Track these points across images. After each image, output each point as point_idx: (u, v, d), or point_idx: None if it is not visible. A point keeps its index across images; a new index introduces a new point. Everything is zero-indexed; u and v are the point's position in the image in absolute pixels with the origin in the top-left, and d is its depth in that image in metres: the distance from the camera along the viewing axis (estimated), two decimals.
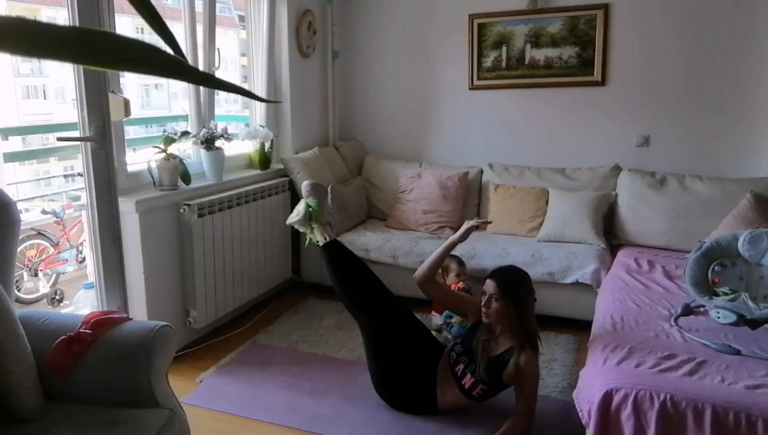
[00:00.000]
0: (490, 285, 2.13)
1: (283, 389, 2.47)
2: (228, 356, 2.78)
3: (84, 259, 4.02)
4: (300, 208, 2.48)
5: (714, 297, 2.14)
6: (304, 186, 2.55)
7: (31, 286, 3.79)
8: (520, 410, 2.11)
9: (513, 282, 2.13)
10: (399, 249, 3.35)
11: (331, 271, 2.45)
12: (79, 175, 3.37)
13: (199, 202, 2.78)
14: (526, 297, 2.13)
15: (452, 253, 3.14)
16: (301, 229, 2.50)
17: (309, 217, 2.45)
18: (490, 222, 2.65)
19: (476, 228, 2.41)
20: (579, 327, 2.99)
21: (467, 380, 2.13)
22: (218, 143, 3.00)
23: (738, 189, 3.12)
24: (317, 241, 2.45)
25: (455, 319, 2.93)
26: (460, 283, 3.00)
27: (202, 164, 3.02)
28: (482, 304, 2.14)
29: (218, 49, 3.17)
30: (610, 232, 3.40)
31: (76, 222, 4.06)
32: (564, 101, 3.74)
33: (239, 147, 3.44)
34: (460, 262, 3.09)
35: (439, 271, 3.11)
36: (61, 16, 4.81)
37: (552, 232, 3.31)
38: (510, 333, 2.12)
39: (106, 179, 2.34)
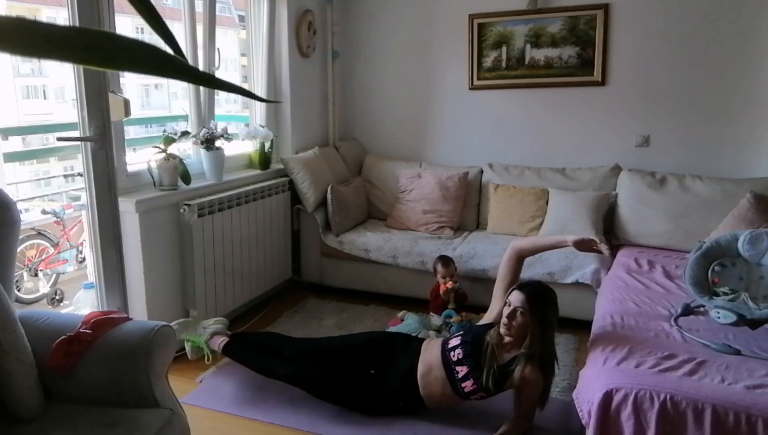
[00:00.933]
0: (517, 298, 2.05)
1: (283, 389, 2.46)
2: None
3: (84, 259, 4.02)
4: (188, 349, 2.53)
5: (714, 297, 2.14)
6: (176, 331, 2.55)
7: (31, 286, 3.79)
8: (520, 414, 2.10)
9: (542, 299, 2.07)
10: (399, 249, 3.35)
11: (259, 363, 2.42)
12: (79, 175, 3.37)
13: (199, 202, 2.78)
14: (552, 316, 2.08)
15: (444, 254, 3.15)
16: (206, 361, 2.51)
17: (200, 349, 2.50)
18: (610, 254, 2.38)
19: (593, 248, 2.25)
20: (579, 327, 2.99)
21: (468, 384, 2.09)
22: (218, 143, 3.00)
23: (738, 189, 3.12)
24: (218, 354, 2.48)
25: (455, 319, 2.94)
26: (449, 282, 2.99)
27: (202, 164, 3.02)
28: (505, 314, 2.07)
29: (218, 49, 3.17)
30: (610, 232, 3.40)
31: (76, 222, 4.06)
32: (564, 101, 3.74)
33: (239, 147, 3.44)
34: (446, 263, 3.05)
35: (432, 270, 3.12)
36: (61, 16, 4.81)
37: (552, 232, 3.30)
38: (519, 342, 2.07)
39: (106, 179, 2.34)
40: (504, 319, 2.07)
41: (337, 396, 2.28)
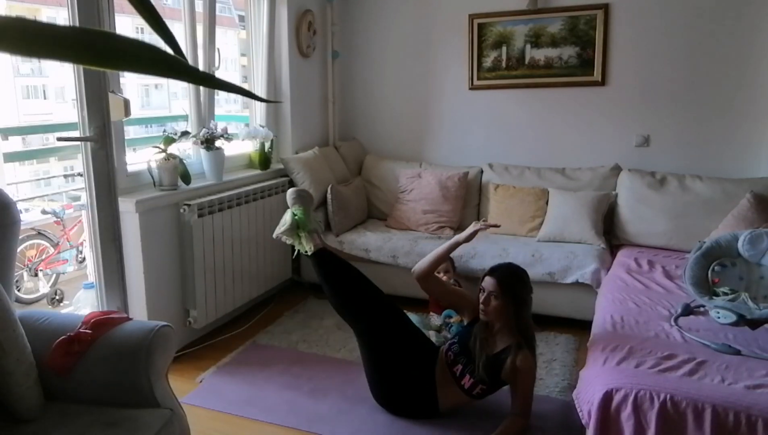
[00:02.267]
0: (489, 282, 2.13)
1: (283, 389, 2.47)
2: (228, 356, 2.78)
3: (84, 259, 4.02)
4: (286, 217, 2.43)
5: (714, 297, 2.14)
6: (289, 194, 2.50)
7: (31, 286, 3.79)
8: (516, 410, 2.11)
9: (512, 279, 2.13)
10: (399, 249, 3.35)
11: (323, 280, 2.41)
12: (79, 175, 3.37)
13: (199, 202, 2.78)
14: (525, 295, 2.13)
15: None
16: (289, 241, 2.43)
17: (296, 227, 2.41)
18: (498, 226, 2.59)
19: (483, 230, 2.39)
20: (579, 327, 2.99)
21: (466, 380, 2.12)
22: (218, 143, 3.00)
23: (738, 189, 3.12)
24: (306, 251, 2.40)
25: (454, 318, 2.93)
26: (444, 277, 2.99)
27: (202, 164, 3.02)
28: (481, 301, 2.13)
29: (218, 49, 3.17)
30: (610, 232, 3.40)
31: (76, 222, 4.06)
32: (564, 101, 3.74)
33: (239, 147, 3.44)
34: (451, 261, 3.08)
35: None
36: (61, 16, 4.82)
37: (552, 232, 3.31)
38: (508, 331, 2.12)
39: (106, 179, 2.34)
40: (481, 305, 2.13)
41: (380, 356, 2.27)
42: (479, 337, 2.14)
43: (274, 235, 2.48)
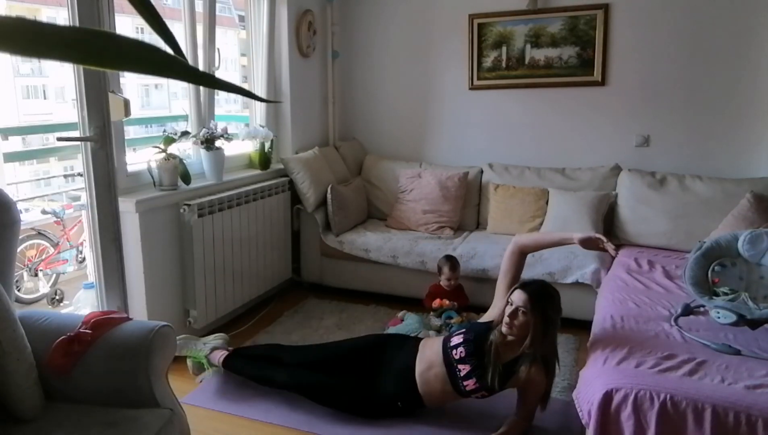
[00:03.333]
0: (519, 297, 2.04)
1: (283, 389, 2.47)
2: None
3: (84, 259, 4.02)
4: (190, 365, 2.54)
5: (714, 297, 2.14)
6: (178, 347, 2.51)
7: (31, 286, 3.79)
8: (522, 414, 2.11)
9: (544, 298, 2.05)
10: (399, 249, 3.35)
11: (254, 379, 2.44)
12: (79, 175, 3.37)
13: (199, 202, 2.78)
14: (554, 315, 2.06)
15: (449, 253, 3.15)
16: (208, 375, 2.52)
17: (201, 365, 2.51)
18: (615, 256, 2.34)
19: (599, 246, 2.20)
20: (579, 327, 2.99)
21: (470, 383, 2.09)
22: (218, 143, 3.00)
23: (738, 189, 3.12)
24: (219, 369, 2.49)
25: (455, 319, 2.93)
26: (445, 300, 2.99)
27: (202, 164, 3.02)
28: (507, 314, 2.06)
29: (218, 49, 3.17)
30: (610, 232, 3.40)
31: (76, 222, 4.06)
32: (564, 101, 3.74)
33: (239, 147, 3.44)
34: (453, 266, 3.05)
35: (437, 269, 3.13)
36: (61, 16, 4.81)
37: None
38: (522, 341, 2.05)
39: (106, 179, 2.34)
40: (506, 318, 2.05)
41: (336, 401, 2.28)
42: (496, 343, 2.08)
43: (198, 382, 2.55)
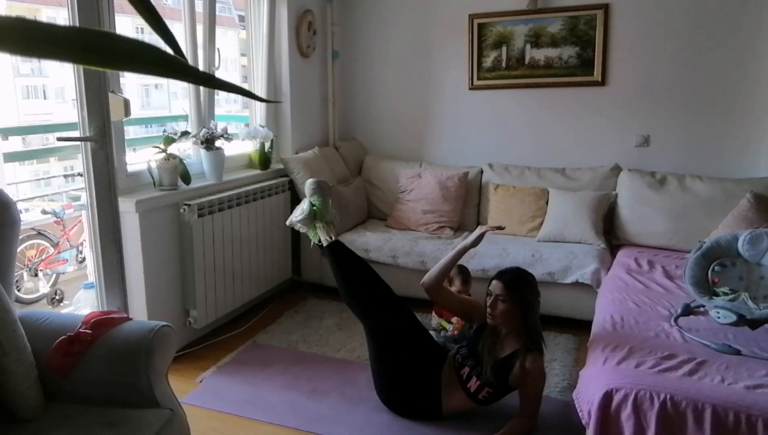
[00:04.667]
0: (496, 286, 2.12)
1: (283, 389, 2.47)
2: (228, 356, 2.78)
3: (84, 259, 4.02)
4: (304, 206, 2.42)
5: (714, 297, 2.14)
6: (309, 184, 2.48)
7: (31, 286, 3.79)
8: (524, 412, 2.12)
9: (519, 283, 2.12)
10: (399, 249, 3.35)
11: (337, 272, 2.39)
12: (79, 175, 3.37)
13: (199, 202, 2.78)
14: (532, 298, 2.12)
15: (460, 262, 3.10)
16: (303, 229, 2.43)
17: (314, 217, 2.40)
18: (503, 227, 2.50)
19: (490, 232, 2.36)
20: (579, 327, 2.99)
21: (473, 383, 2.12)
22: (218, 143, 3.00)
23: (738, 189, 3.12)
24: (320, 241, 2.40)
25: (451, 331, 2.83)
26: (461, 321, 2.87)
27: (202, 164, 3.02)
28: (488, 304, 2.13)
29: (218, 49, 3.17)
30: (610, 232, 3.40)
31: (76, 222, 4.06)
32: (564, 101, 3.74)
33: (239, 147, 3.44)
34: (465, 279, 2.90)
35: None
36: (61, 16, 4.81)
37: (552, 232, 3.31)
38: (515, 335, 2.11)
39: (106, 179, 2.34)
40: (488, 309, 2.12)
41: (394, 347, 2.25)
42: (487, 342, 2.13)
43: (288, 222, 2.47)
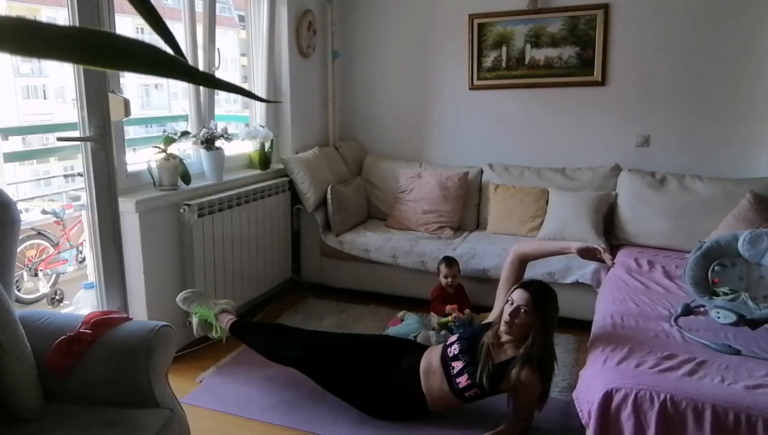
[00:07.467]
0: (521, 296, 2.05)
1: (282, 389, 2.47)
2: (228, 356, 2.78)
3: (84, 259, 4.02)
4: (193, 321, 2.53)
5: (714, 297, 2.14)
6: (179, 300, 2.56)
7: (31, 286, 3.79)
8: (519, 414, 2.11)
9: (545, 297, 2.07)
10: (399, 249, 3.35)
11: (260, 349, 2.43)
12: (79, 175, 3.37)
13: (199, 202, 2.78)
14: (554, 315, 2.09)
15: (446, 254, 3.14)
16: (213, 336, 2.52)
17: (206, 324, 2.51)
18: (612, 265, 2.35)
19: (601, 253, 2.23)
20: (579, 327, 2.99)
21: (462, 380, 2.09)
22: (218, 143, 3.00)
23: (738, 189, 3.12)
24: (222, 335, 2.49)
25: (454, 315, 2.89)
26: (457, 312, 2.92)
27: (202, 164, 3.02)
28: (508, 313, 2.06)
29: (218, 49, 3.17)
30: (610, 232, 3.40)
31: (76, 222, 4.06)
32: (564, 101, 3.74)
33: (239, 147, 3.44)
34: (450, 262, 3.04)
35: (436, 270, 3.11)
36: (61, 16, 4.82)
37: (552, 232, 3.31)
38: (516, 342, 2.06)
39: (106, 179, 2.34)
40: (506, 317, 2.06)
41: (341, 387, 2.27)
42: (488, 343, 2.09)
43: (197, 336, 2.58)
